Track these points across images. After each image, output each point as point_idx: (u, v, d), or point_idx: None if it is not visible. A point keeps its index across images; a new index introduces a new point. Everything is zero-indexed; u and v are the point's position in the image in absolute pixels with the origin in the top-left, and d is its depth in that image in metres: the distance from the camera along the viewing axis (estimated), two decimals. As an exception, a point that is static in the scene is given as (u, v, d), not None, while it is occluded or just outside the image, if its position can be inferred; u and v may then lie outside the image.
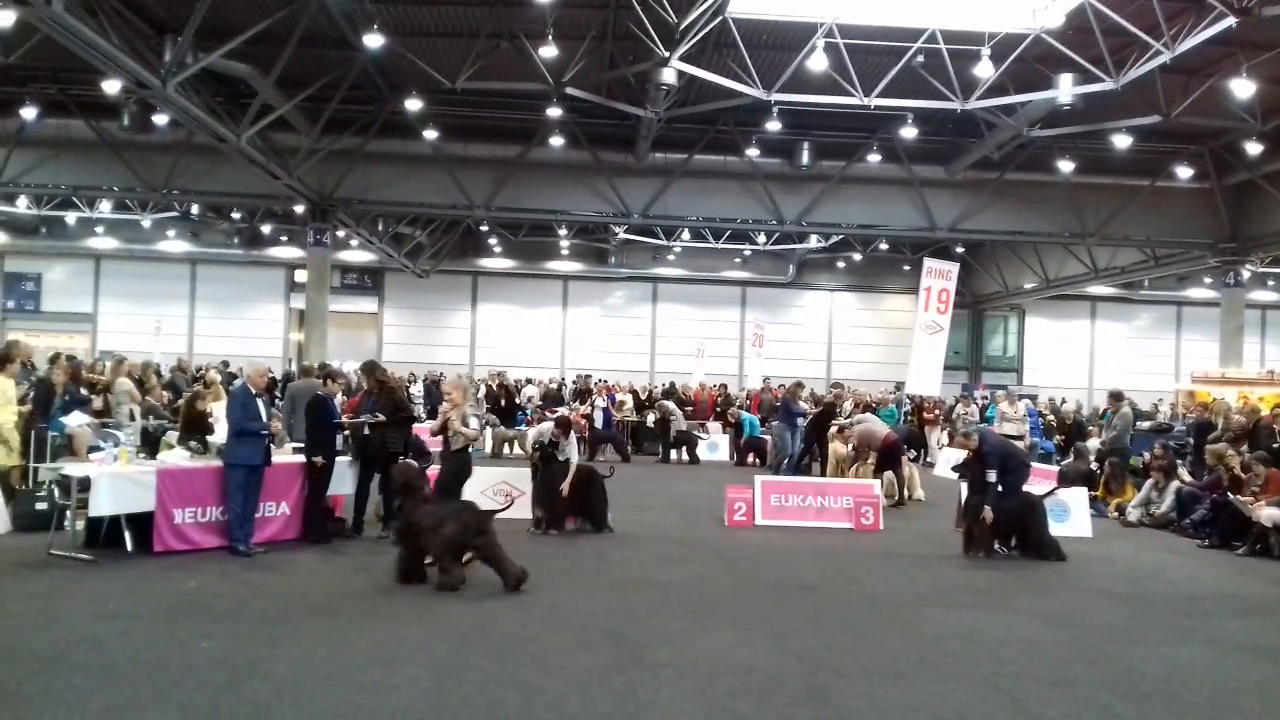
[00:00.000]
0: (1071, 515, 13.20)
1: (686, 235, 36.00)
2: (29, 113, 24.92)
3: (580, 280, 42.31)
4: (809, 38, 18.68)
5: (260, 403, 10.15)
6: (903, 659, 6.97)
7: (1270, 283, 39.86)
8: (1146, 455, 15.92)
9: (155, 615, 7.45)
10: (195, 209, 34.47)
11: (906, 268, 40.67)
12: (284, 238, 38.80)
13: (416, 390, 27.02)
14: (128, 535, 9.68)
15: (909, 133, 23.91)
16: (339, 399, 11.76)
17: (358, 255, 38.58)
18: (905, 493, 16.15)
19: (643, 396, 26.94)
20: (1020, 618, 8.38)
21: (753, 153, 27.14)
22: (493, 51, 20.82)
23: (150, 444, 12.50)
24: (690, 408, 25.82)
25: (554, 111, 23.57)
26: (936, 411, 24.79)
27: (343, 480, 11.31)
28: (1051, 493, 12.58)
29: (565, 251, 40.53)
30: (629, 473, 17.37)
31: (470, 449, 10.33)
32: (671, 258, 40.72)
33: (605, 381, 27.21)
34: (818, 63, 18.67)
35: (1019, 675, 6.67)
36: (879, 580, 9.83)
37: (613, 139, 26.86)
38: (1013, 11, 18.41)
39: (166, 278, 40.86)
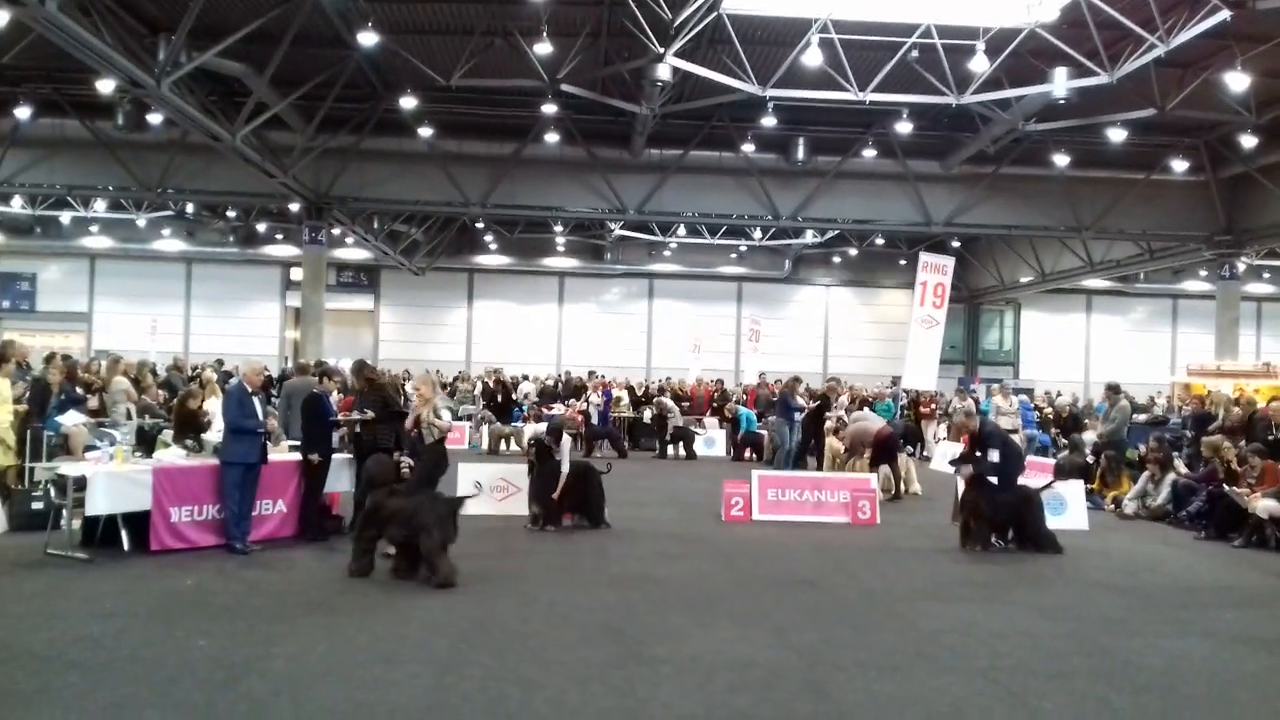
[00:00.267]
0: (1068, 508, 13.23)
1: (682, 231, 35.97)
2: (23, 112, 24.83)
3: (576, 277, 42.26)
4: (803, 33, 18.65)
5: (256, 401, 10.16)
6: (900, 653, 6.99)
7: (1265, 275, 39.86)
8: (1143, 448, 15.96)
9: (152, 614, 7.45)
10: (190, 208, 34.35)
11: (902, 262, 40.67)
12: (279, 236, 38.70)
13: (412, 388, 26.94)
14: (124, 534, 9.69)
15: (904, 128, 23.90)
16: (334, 397, 11.75)
17: (353, 253, 38.51)
18: (902, 487, 16.19)
19: (639, 392, 26.96)
20: (1017, 611, 8.40)
21: (748, 148, 27.11)
22: (487, 49, 20.78)
23: (146, 443, 12.50)
24: (687, 403, 25.85)
25: (549, 108, 23.52)
26: (933, 406, 24.83)
27: (339, 478, 11.32)
28: (1048, 486, 12.61)
29: (561, 248, 40.46)
30: (626, 468, 17.38)
31: (445, 440, 10.36)
32: (667, 254, 40.68)
33: (602, 377, 27.18)
34: (812, 58, 18.65)
35: (1016, 668, 6.69)
36: (876, 574, 9.85)
37: (608, 135, 26.82)
38: (1007, 6, 18.38)
39: (162, 277, 40.75)
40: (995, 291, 41.44)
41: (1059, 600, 8.90)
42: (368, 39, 19.22)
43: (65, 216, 36.07)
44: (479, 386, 27.40)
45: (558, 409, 24.30)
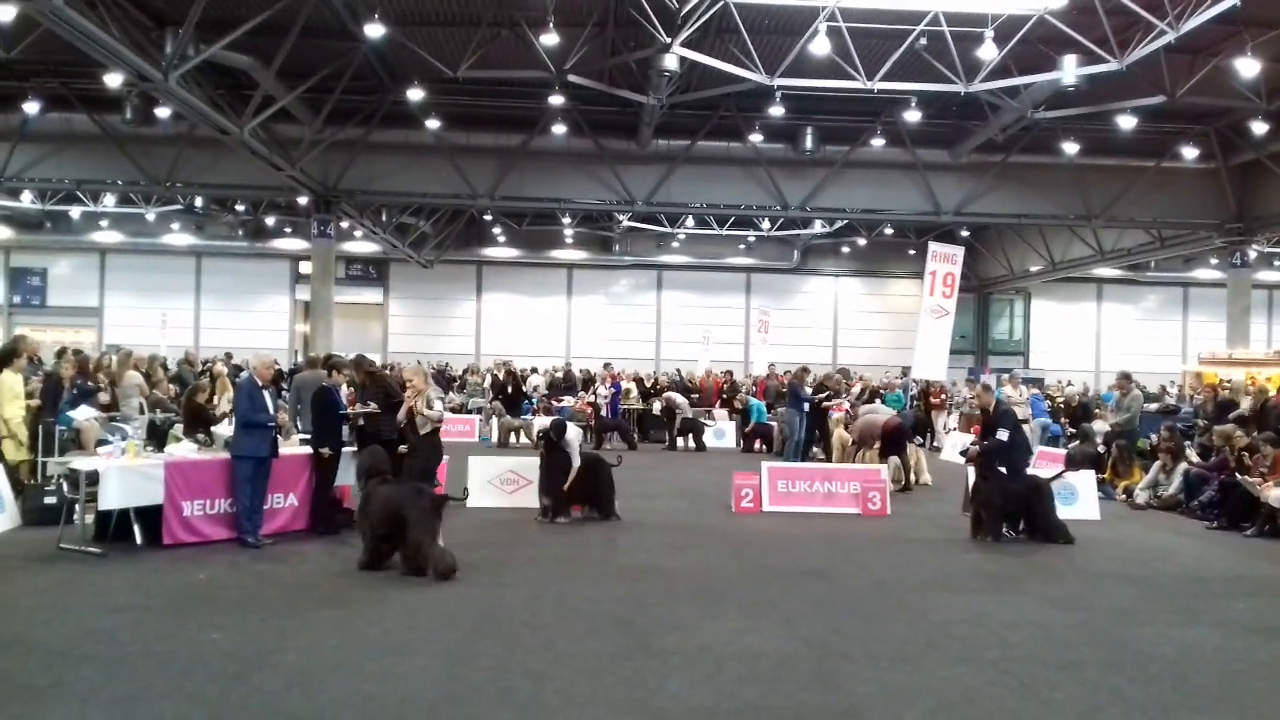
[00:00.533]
0: (1079, 498, 13.20)
1: (690, 222, 35.91)
2: (31, 107, 24.93)
3: (585, 268, 42.26)
4: (811, 21, 18.54)
5: (267, 395, 10.18)
6: (911, 644, 6.98)
7: (1277, 263, 39.60)
8: (1154, 437, 15.90)
9: (165, 607, 7.48)
10: (199, 202, 34.44)
11: (911, 252, 40.54)
12: (288, 229, 38.78)
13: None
14: (137, 528, 9.73)
15: (913, 116, 23.81)
16: (344, 390, 11.77)
17: (362, 246, 38.59)
18: (912, 477, 16.15)
19: (648, 384, 26.94)
20: (1028, 601, 8.38)
21: (756, 138, 27.05)
22: (494, 40, 20.76)
23: (158, 437, 12.56)
24: (696, 395, 25.83)
25: (556, 99, 23.50)
26: (943, 396, 24.76)
27: (349, 471, 11.32)
28: (1059, 476, 12.58)
29: (569, 240, 40.44)
30: (635, 460, 17.39)
31: (439, 430, 10.40)
32: (676, 245, 40.64)
33: (611, 368, 27.19)
34: (820, 47, 18.54)
35: (1027, 659, 6.68)
36: (886, 565, 9.84)
37: (615, 126, 26.78)
38: (1016, -7, 18.30)
39: (171, 271, 40.91)
40: (1005, 281, 41.29)
41: (1070, 590, 8.88)
42: (374, 30, 19.21)
43: (75, 211, 36.24)
44: (488, 379, 27.40)
45: (567, 401, 24.32)
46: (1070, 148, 25.79)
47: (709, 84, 22.36)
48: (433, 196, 29.10)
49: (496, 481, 13.07)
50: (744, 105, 25.00)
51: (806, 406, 18.25)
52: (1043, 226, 33.47)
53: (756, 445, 21.89)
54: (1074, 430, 19.94)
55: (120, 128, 25.84)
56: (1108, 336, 43.50)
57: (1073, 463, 14.95)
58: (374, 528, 8.88)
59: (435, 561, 8.53)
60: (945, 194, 28.33)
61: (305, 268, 36.70)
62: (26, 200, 34.17)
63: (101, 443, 11.06)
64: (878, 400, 20.61)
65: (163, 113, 23.86)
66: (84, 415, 12.11)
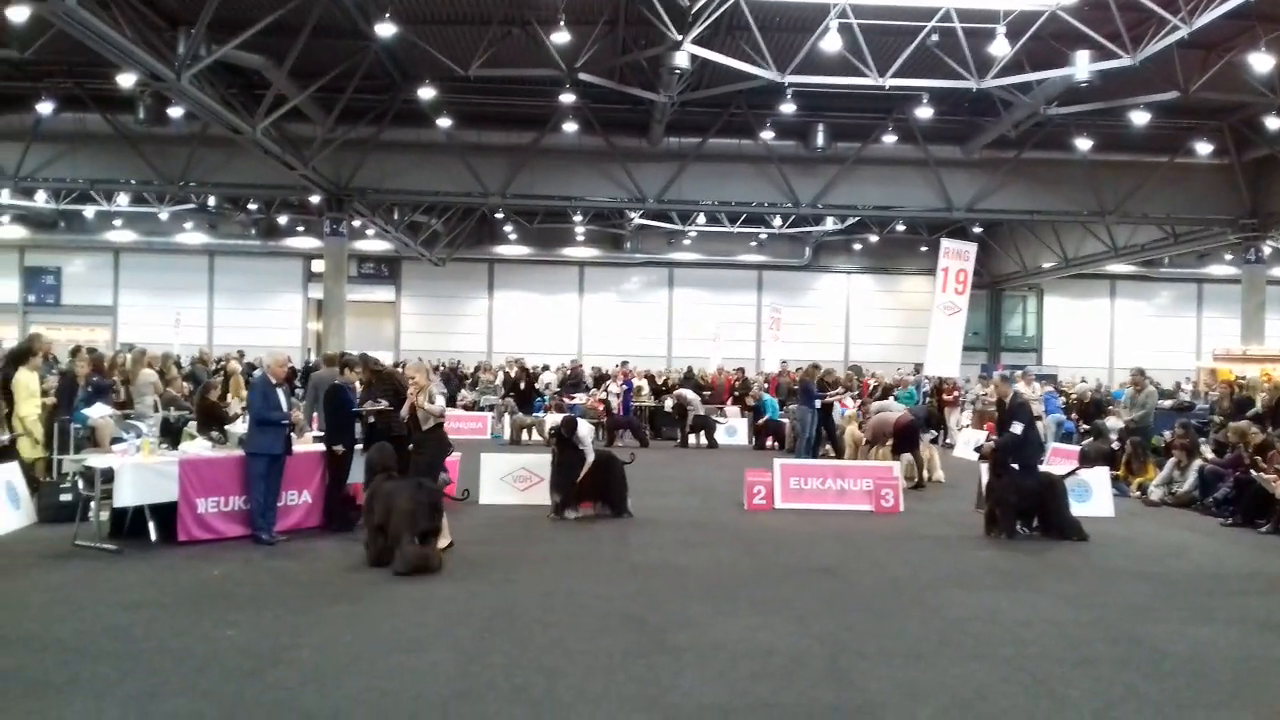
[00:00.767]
0: (1093, 495, 13.14)
1: (702, 219, 35.90)
2: (45, 107, 25.09)
3: (596, 266, 42.29)
4: (822, 18, 18.52)
5: (280, 392, 10.21)
6: (924, 641, 6.97)
7: (1292, 259, 39.41)
8: (1167, 434, 15.82)
9: (180, 604, 7.52)
10: (212, 201, 34.62)
11: (924, 249, 40.47)
12: (300, 228, 38.93)
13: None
14: (152, 525, 9.78)
15: (924, 113, 23.75)
16: (357, 387, 11.80)
17: (374, 244, 38.68)
18: (925, 474, 16.11)
19: (660, 381, 26.93)
20: (1042, 598, 8.35)
21: (767, 135, 27.02)
22: (505, 38, 20.79)
23: (172, 435, 12.61)
24: (708, 392, 25.81)
25: (567, 97, 23.51)
26: (956, 393, 24.68)
27: (362, 468, 11.36)
28: (1073, 472, 12.53)
29: (581, 238, 40.48)
30: (647, 458, 17.39)
31: (442, 425, 10.39)
32: (687, 242, 40.63)
33: (624, 365, 27.21)
34: (831, 43, 18.52)
35: (1041, 656, 6.65)
36: (900, 562, 9.81)
37: (626, 124, 26.79)
38: (1028, -12, 18.24)
39: (185, 269, 41.13)
40: (1018, 277, 41.15)
41: (1084, 587, 8.84)
42: (386, 30, 19.27)
43: (89, 211, 36.47)
44: (501, 376, 27.44)
45: (580, 399, 24.32)
46: (1083, 144, 25.68)
47: (720, 81, 22.36)
48: (444, 195, 29.17)
49: (509, 479, 13.08)
50: (755, 102, 24.97)
51: (818, 404, 18.22)
52: (1056, 223, 33.38)
53: (769, 442, 21.86)
54: (1088, 427, 19.85)
55: (133, 127, 25.99)
56: (1121, 333, 43.30)
57: (1087, 459, 14.89)
58: (377, 524, 8.91)
59: (403, 555, 8.55)
60: (957, 190, 28.25)
61: (318, 266, 36.86)
62: (41, 200, 34.40)
63: (116, 440, 11.13)
64: (890, 398, 20.56)
65: (176, 112, 24.00)
66: (99, 413, 12.17)
